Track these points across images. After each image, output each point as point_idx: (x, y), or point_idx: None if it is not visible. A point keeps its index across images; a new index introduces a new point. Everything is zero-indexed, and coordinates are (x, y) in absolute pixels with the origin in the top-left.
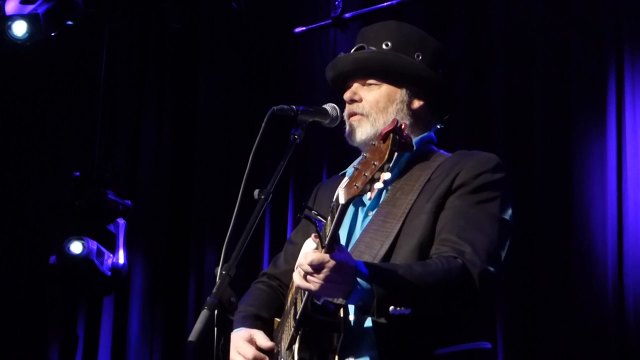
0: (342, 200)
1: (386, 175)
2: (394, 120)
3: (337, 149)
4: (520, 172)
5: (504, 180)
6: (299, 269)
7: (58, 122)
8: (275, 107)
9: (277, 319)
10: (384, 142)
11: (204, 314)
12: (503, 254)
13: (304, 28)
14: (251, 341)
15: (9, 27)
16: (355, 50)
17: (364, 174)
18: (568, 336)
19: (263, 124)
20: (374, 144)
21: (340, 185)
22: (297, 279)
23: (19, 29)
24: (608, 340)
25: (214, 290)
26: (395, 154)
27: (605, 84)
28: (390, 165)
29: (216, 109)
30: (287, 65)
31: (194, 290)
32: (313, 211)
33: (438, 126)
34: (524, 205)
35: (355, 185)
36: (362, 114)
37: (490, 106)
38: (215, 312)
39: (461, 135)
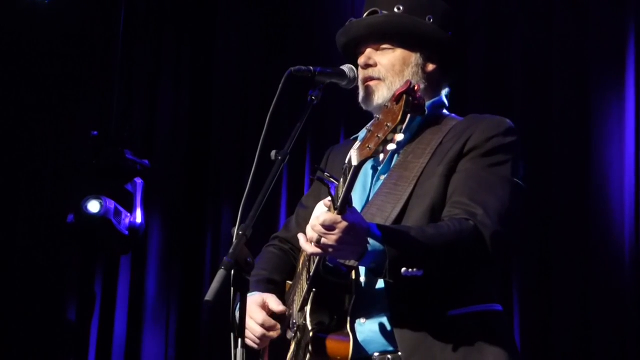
0: (354, 162)
1: (399, 137)
2: (407, 81)
3: (354, 110)
4: (538, 134)
5: (516, 144)
6: (309, 229)
7: (76, 81)
8: (292, 68)
9: (289, 282)
10: (397, 103)
11: (220, 273)
12: (515, 216)
13: None
14: (264, 306)
15: None
16: (367, 15)
17: (377, 136)
18: (585, 298)
19: (281, 85)
20: (387, 106)
21: (353, 148)
22: (305, 242)
23: None
24: (625, 301)
25: (231, 250)
26: (409, 115)
27: (625, 45)
28: (403, 126)
29: (234, 69)
30: (305, 25)
31: (210, 250)
32: (326, 173)
33: (446, 90)
34: (542, 167)
35: (368, 146)
36: (378, 78)
37: (508, 68)
38: (232, 272)
39: (479, 98)
